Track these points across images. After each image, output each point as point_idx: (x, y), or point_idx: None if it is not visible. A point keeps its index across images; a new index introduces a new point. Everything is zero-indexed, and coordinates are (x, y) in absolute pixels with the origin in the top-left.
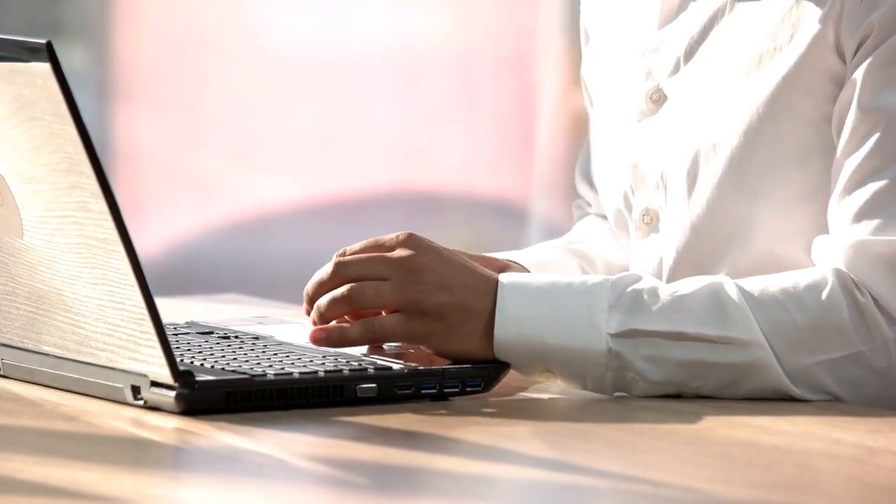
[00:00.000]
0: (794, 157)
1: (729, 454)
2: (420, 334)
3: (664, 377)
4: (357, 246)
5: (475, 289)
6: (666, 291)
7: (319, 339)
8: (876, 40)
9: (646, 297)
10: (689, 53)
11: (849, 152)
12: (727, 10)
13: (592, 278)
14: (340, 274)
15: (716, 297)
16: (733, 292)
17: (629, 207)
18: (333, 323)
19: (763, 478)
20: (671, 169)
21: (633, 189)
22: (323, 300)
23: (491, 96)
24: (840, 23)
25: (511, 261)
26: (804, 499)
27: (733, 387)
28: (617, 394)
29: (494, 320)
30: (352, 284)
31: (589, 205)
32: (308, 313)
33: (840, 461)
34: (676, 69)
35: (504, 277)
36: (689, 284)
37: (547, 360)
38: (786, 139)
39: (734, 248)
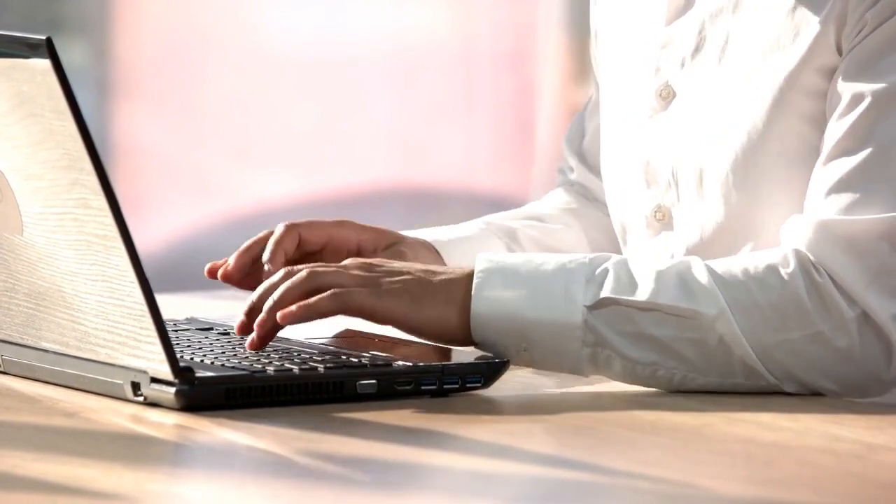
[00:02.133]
0: (798, 155)
1: (729, 450)
2: (387, 305)
3: (639, 354)
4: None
5: (434, 271)
6: (639, 267)
7: (286, 317)
8: (866, 31)
9: (620, 271)
10: (697, 49)
11: (829, 132)
12: (733, 7)
13: (567, 256)
14: (290, 274)
15: (685, 275)
16: (701, 271)
17: (640, 204)
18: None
19: (763, 474)
20: (682, 166)
21: (645, 186)
22: (278, 291)
23: (490, 92)
24: (842, 23)
25: (415, 238)
26: (804, 495)
27: (706, 369)
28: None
29: (470, 296)
30: (310, 269)
31: (571, 170)
32: (242, 329)
33: (840, 458)
34: (684, 65)
35: (481, 255)
36: (662, 263)
37: (524, 336)
38: (789, 138)
39: (743, 246)
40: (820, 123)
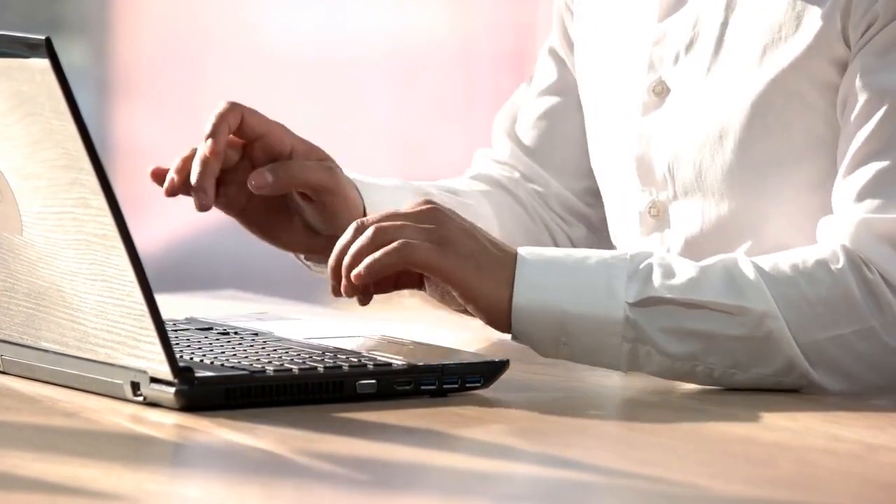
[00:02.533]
0: (803, 147)
1: (728, 450)
2: (452, 266)
3: (680, 350)
4: (377, 215)
5: (497, 244)
6: (682, 264)
7: (358, 278)
8: (879, 25)
9: (663, 268)
10: (692, 45)
11: (852, 134)
12: (728, 1)
13: (609, 252)
14: (360, 231)
15: (731, 271)
16: (748, 267)
17: (634, 201)
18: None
19: (762, 474)
20: (678, 162)
21: (640, 183)
22: (348, 255)
23: (490, 92)
24: (847, 13)
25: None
26: (803, 495)
27: (747, 364)
28: (630, 373)
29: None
30: (377, 226)
31: (499, 151)
32: (335, 293)
33: (839, 458)
34: (678, 61)
35: (522, 248)
36: (705, 260)
37: (564, 330)
38: (794, 129)
39: (744, 240)
40: (826, 114)
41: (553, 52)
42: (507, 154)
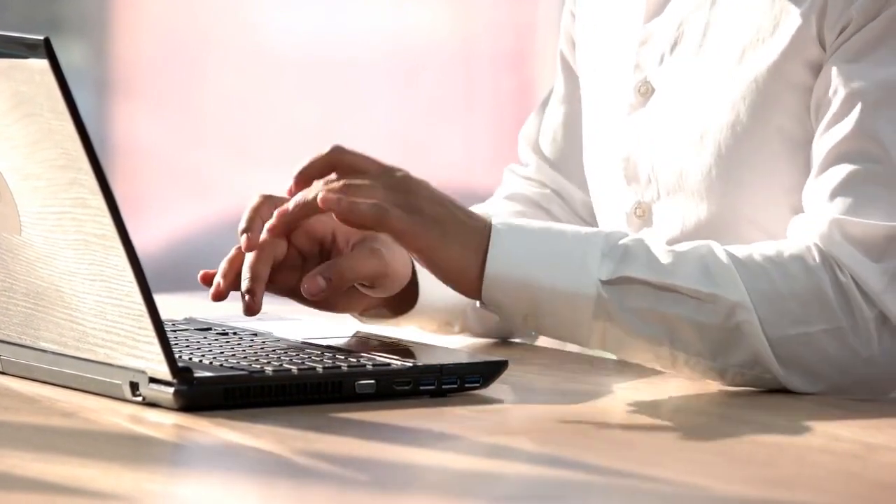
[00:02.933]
0: (779, 149)
1: (727, 450)
2: (419, 232)
3: (648, 332)
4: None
5: (468, 213)
6: (658, 247)
7: (327, 201)
8: (852, 28)
9: (638, 249)
10: (675, 45)
11: (825, 134)
12: (711, 2)
13: (585, 228)
14: (333, 156)
15: (706, 258)
16: (722, 255)
17: (621, 201)
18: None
19: (761, 474)
20: (661, 162)
21: (626, 183)
22: (311, 190)
23: (490, 92)
24: (823, 15)
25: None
26: (802, 495)
27: (713, 354)
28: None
29: (486, 254)
30: (347, 181)
31: (527, 165)
32: (273, 231)
33: (838, 458)
34: (663, 61)
35: (496, 217)
36: (680, 245)
37: (535, 302)
38: (770, 132)
39: (722, 241)
40: (801, 117)
41: (562, 57)
42: (533, 169)
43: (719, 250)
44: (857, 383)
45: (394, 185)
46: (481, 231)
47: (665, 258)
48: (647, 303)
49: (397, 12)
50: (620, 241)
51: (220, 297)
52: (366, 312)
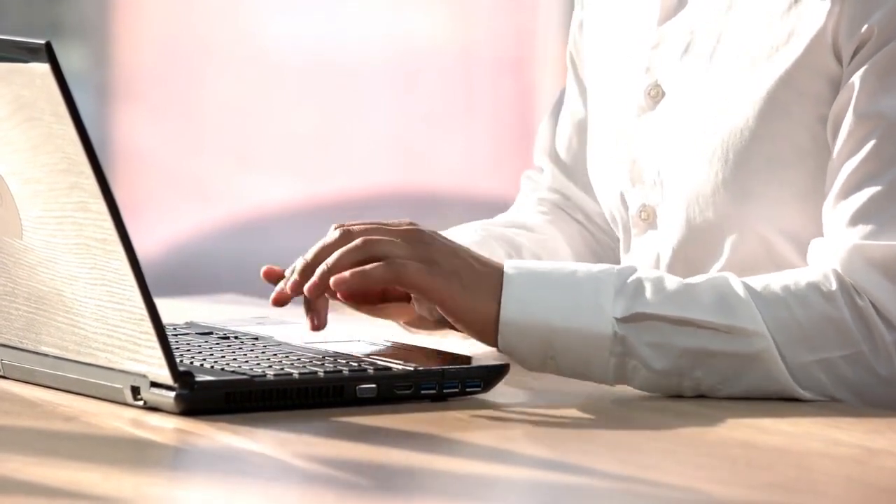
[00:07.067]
0: (788, 157)
1: (728, 455)
2: (439, 285)
3: (666, 365)
4: (361, 225)
5: (481, 260)
6: (671, 281)
7: (339, 283)
8: (875, 44)
9: (651, 284)
10: (688, 50)
11: (845, 156)
12: (726, 8)
13: (596, 266)
14: (347, 238)
15: (721, 289)
16: (738, 286)
17: (626, 204)
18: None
19: (762, 478)
20: (668, 166)
21: (631, 185)
22: (332, 256)
23: (490, 98)
24: (839, 25)
25: None
26: (803, 500)
27: (734, 381)
28: (618, 386)
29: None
30: (365, 238)
31: (541, 170)
32: (294, 289)
33: (839, 462)
34: (674, 65)
35: (508, 263)
36: (695, 278)
37: (551, 345)
38: (780, 140)
39: (728, 247)
40: (812, 125)
41: (570, 60)
42: (549, 178)
43: (735, 281)
44: (875, 401)
45: (408, 237)
46: (494, 277)
47: (679, 291)
48: (664, 337)
49: (397, 18)
50: (632, 277)
51: (281, 303)
52: (411, 323)
